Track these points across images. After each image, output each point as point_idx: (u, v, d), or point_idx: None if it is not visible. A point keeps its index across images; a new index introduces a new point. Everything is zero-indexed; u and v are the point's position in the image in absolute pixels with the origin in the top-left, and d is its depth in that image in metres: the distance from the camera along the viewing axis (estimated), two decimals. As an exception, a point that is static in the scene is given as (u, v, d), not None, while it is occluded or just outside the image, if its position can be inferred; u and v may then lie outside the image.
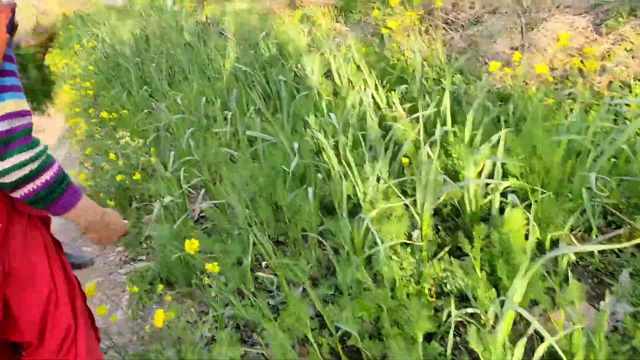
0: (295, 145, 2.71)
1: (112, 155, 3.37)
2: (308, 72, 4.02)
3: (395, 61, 3.90)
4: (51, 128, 5.60)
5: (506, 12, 4.39)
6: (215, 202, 2.74)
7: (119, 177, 3.25)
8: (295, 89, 3.82)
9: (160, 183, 3.01)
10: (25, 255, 1.26)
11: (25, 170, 1.10)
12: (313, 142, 3.18)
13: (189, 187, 3.10)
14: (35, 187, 1.13)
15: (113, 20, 9.32)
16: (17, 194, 1.13)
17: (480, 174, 2.36)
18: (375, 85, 3.41)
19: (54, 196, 1.17)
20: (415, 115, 2.68)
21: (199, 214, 3.16)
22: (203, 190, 3.03)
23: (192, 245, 1.73)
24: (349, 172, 2.47)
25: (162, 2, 10.28)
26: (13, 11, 1.14)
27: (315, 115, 3.23)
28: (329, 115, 2.99)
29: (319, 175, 2.57)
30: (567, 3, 4.22)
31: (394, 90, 3.42)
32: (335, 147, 3.05)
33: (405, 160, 2.47)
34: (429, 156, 2.32)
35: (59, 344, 1.31)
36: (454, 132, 2.58)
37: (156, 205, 2.74)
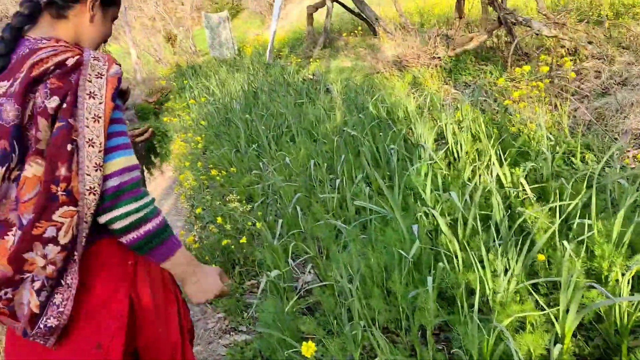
0: (415, 227, 2.49)
1: (219, 220, 3.32)
2: (421, 140, 3.83)
3: (517, 132, 3.63)
4: (160, 177, 5.74)
5: (637, 85, 4.01)
6: (323, 283, 2.55)
7: (224, 242, 3.17)
8: (407, 157, 3.63)
9: (266, 252, 2.89)
10: (154, 293, 1.40)
11: (130, 219, 1.22)
12: (427, 221, 2.95)
13: (295, 257, 2.95)
14: (137, 235, 1.24)
15: (223, 73, 9.66)
16: (123, 239, 1.25)
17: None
18: (498, 159, 3.15)
19: (152, 245, 1.27)
20: (550, 205, 2.39)
21: (302, 286, 3.00)
22: (310, 266, 2.87)
23: (308, 349, 1.54)
24: (475, 263, 2.22)
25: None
26: (119, 80, 1.26)
27: (431, 191, 3.01)
28: (449, 193, 2.76)
29: (439, 263, 2.32)
30: None
31: (517, 166, 3.15)
32: (452, 226, 2.81)
33: (540, 257, 2.18)
34: (570, 256, 2.03)
35: None
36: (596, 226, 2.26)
37: (262, 280, 2.60)
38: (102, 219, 1.23)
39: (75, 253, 1.22)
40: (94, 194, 1.18)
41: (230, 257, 3.36)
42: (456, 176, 3.29)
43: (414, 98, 5.09)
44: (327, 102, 5.51)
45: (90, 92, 1.19)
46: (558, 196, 2.79)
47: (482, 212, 2.79)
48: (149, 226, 1.25)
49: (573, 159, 3.12)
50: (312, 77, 7.66)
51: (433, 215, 2.94)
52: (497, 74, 5.70)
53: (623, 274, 1.97)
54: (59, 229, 1.16)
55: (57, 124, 1.16)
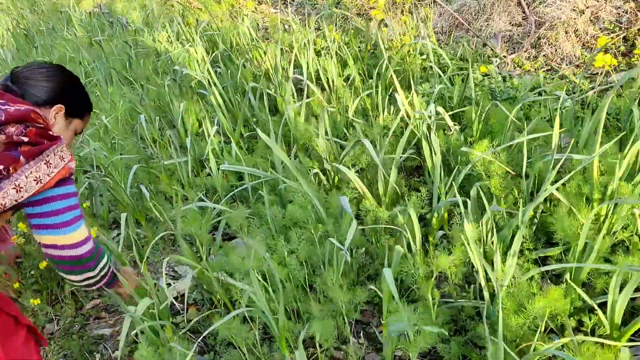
0: (344, 201, 1.65)
1: (21, 226, 2.10)
2: (273, 72, 2.92)
3: (391, 51, 2.91)
4: None
5: (487, -18, 3.52)
6: (229, 316, 1.58)
7: (43, 264, 2.00)
8: (268, 95, 2.70)
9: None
10: None
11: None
12: (325, 178, 2.14)
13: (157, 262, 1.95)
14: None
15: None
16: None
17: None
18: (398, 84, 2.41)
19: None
20: (502, 147, 1.72)
21: (185, 307, 2.02)
22: (191, 274, 1.89)
23: None
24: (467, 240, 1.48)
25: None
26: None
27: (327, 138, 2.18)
28: (360, 140, 1.95)
29: (397, 246, 1.54)
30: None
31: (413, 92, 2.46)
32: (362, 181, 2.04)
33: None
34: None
35: None
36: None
37: (126, 321, 1.56)
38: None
39: None
40: None
41: (55, 275, 2.20)
42: (342, 113, 2.49)
43: (245, 25, 4.06)
44: (131, 36, 4.21)
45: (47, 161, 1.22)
46: (482, 124, 2.17)
47: (414, 158, 2.06)
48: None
49: (473, 74, 2.51)
50: (99, 9, 6.06)
51: (336, 173, 2.13)
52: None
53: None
54: None
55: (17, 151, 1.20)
